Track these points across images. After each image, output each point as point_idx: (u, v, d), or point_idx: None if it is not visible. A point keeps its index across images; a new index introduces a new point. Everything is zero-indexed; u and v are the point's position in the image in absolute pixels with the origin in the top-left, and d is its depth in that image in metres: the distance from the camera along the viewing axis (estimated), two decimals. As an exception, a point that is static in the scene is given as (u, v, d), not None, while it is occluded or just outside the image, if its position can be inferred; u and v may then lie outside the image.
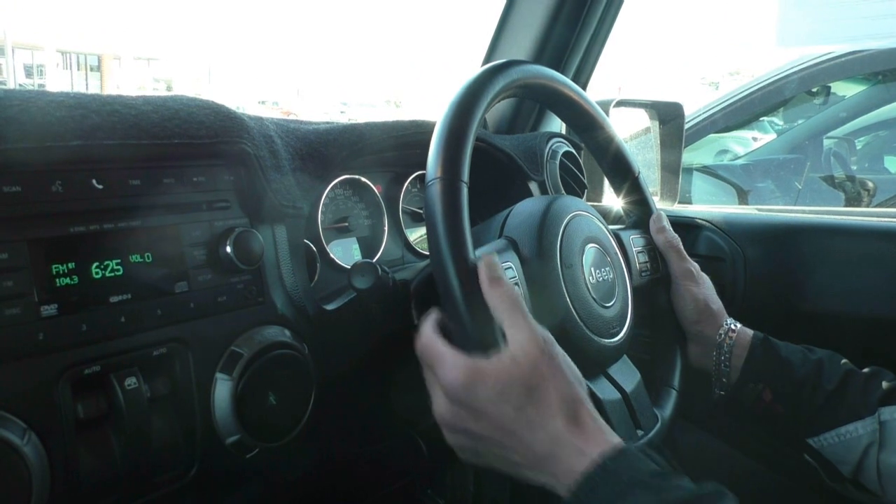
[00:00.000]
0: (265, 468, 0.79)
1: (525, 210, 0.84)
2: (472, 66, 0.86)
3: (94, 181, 0.64)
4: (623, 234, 0.94)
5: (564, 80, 0.87)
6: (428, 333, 0.66)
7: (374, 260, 0.99)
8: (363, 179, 1.01)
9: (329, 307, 0.85)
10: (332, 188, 0.96)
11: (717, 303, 0.93)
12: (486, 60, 1.38)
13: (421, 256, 1.09)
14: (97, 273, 0.63)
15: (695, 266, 0.94)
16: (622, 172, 0.96)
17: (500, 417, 0.60)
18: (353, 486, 1.05)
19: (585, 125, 0.92)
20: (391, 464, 1.12)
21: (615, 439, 0.61)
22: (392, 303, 0.83)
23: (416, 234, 1.11)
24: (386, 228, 1.05)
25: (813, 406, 0.83)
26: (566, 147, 1.24)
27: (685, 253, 0.95)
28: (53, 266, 0.61)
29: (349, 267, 0.90)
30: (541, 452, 0.60)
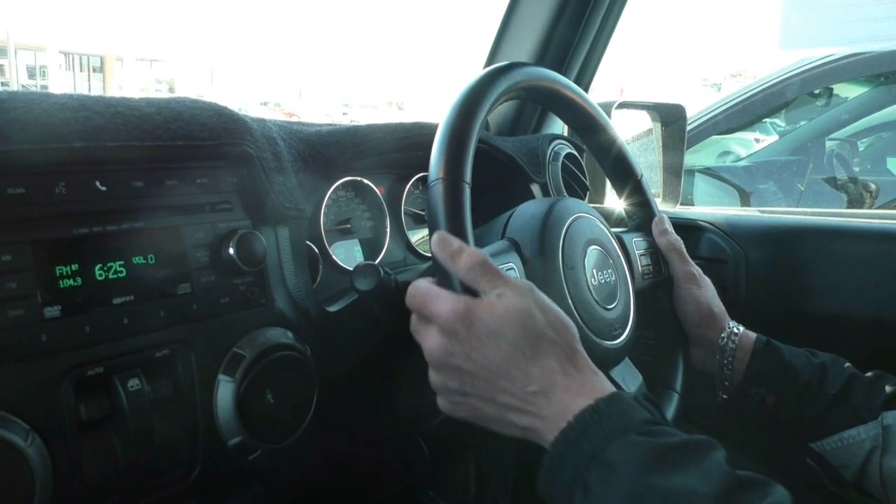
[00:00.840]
0: (267, 469, 0.79)
1: (527, 212, 0.84)
2: (475, 68, 0.86)
3: (97, 183, 0.64)
4: (625, 237, 0.94)
5: (566, 83, 0.87)
6: (422, 281, 0.66)
7: (377, 262, 0.99)
8: (365, 181, 1.01)
9: (331, 309, 0.85)
10: (334, 190, 0.96)
11: (719, 306, 0.93)
12: (489, 62, 1.38)
13: (423, 258, 1.09)
14: (100, 275, 0.63)
15: (697, 269, 0.94)
16: (624, 174, 0.96)
17: (494, 352, 0.60)
18: (355, 488, 1.05)
19: (587, 127, 0.92)
20: (393, 465, 1.12)
21: (608, 386, 0.61)
22: (394, 304, 0.83)
23: (419, 236, 1.11)
24: (388, 230, 1.05)
25: (816, 410, 0.83)
26: (568, 149, 1.24)
27: (687, 255, 0.95)
28: (57, 268, 0.61)
29: (351, 269, 0.90)
30: (532, 390, 0.59)
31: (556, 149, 1.22)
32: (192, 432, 0.69)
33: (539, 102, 1.22)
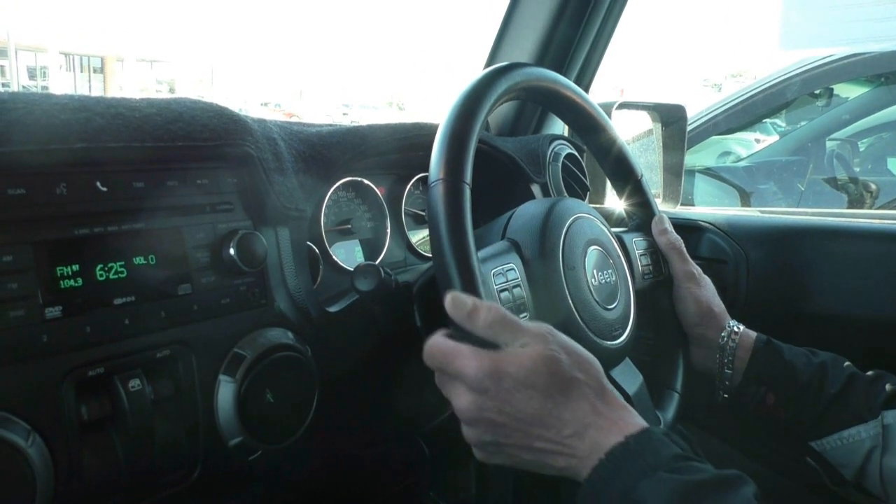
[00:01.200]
0: (268, 470, 0.79)
1: (527, 212, 0.84)
2: (475, 69, 0.86)
3: (98, 183, 0.64)
4: (625, 237, 0.94)
5: (567, 83, 0.87)
6: (439, 338, 0.66)
7: (377, 262, 0.99)
8: (366, 182, 1.01)
9: (332, 309, 0.85)
10: (334, 190, 0.96)
11: (719, 305, 0.93)
12: (489, 62, 1.39)
13: (423, 258, 1.09)
14: (101, 275, 0.63)
15: (697, 268, 0.94)
16: (624, 174, 0.96)
17: (526, 403, 0.60)
18: (356, 488, 1.05)
19: (588, 127, 0.92)
20: (393, 465, 1.12)
21: (639, 420, 0.61)
22: (395, 305, 0.83)
23: (419, 236, 1.11)
24: (388, 230, 1.05)
25: (816, 409, 0.83)
26: (568, 149, 1.24)
27: (687, 255, 0.95)
28: (58, 268, 0.61)
29: (352, 269, 0.90)
30: (567, 434, 0.60)
31: (556, 149, 1.22)
32: (192, 433, 0.69)
33: (539, 103, 1.22)
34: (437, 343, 0.65)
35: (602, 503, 0.56)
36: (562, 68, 1.34)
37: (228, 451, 0.71)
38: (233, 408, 0.69)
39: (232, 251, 0.71)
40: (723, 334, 0.90)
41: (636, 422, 0.61)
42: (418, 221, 1.12)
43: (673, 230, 0.96)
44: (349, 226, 1.01)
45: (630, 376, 0.84)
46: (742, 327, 0.91)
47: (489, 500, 1.18)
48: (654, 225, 0.96)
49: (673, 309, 0.94)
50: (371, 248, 1.04)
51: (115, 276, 0.64)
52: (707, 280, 0.95)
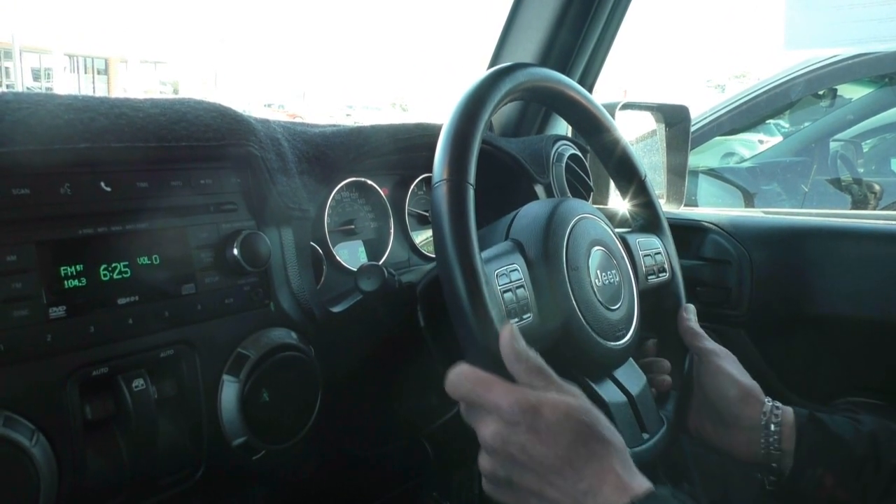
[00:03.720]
0: (271, 470, 0.79)
1: (531, 213, 0.84)
2: (479, 70, 0.86)
3: (102, 183, 0.65)
4: (629, 237, 0.94)
5: (570, 83, 0.87)
6: (467, 367, 0.65)
7: (381, 262, 0.99)
8: (369, 182, 1.01)
9: (335, 309, 0.85)
10: (338, 191, 0.96)
11: (750, 378, 0.86)
12: (493, 63, 1.38)
13: (427, 259, 1.09)
14: (105, 275, 0.64)
15: (719, 346, 0.89)
16: (628, 175, 0.95)
17: (553, 449, 0.60)
18: (359, 489, 1.05)
19: (591, 128, 0.92)
20: (397, 466, 1.12)
21: (647, 483, 0.61)
22: (398, 305, 0.83)
23: (422, 237, 1.11)
24: (392, 231, 1.05)
25: (879, 485, 0.76)
26: (572, 150, 1.24)
27: (705, 335, 0.90)
28: (61, 268, 0.61)
29: (355, 269, 0.90)
30: (581, 488, 0.59)
31: (559, 150, 1.22)
32: (196, 433, 0.69)
33: (543, 103, 1.22)
34: (465, 373, 0.64)
35: None
36: (565, 69, 1.34)
37: (232, 451, 0.71)
38: (236, 408, 0.70)
39: (235, 251, 0.71)
40: (764, 410, 0.82)
41: (644, 484, 0.60)
42: (422, 222, 1.12)
43: (696, 320, 0.92)
44: (352, 226, 1.01)
45: (634, 377, 0.84)
46: (780, 403, 0.83)
47: (492, 501, 1.18)
48: (681, 311, 0.92)
49: (703, 387, 0.86)
50: (374, 249, 1.04)
51: (119, 276, 0.64)
52: (727, 351, 0.89)
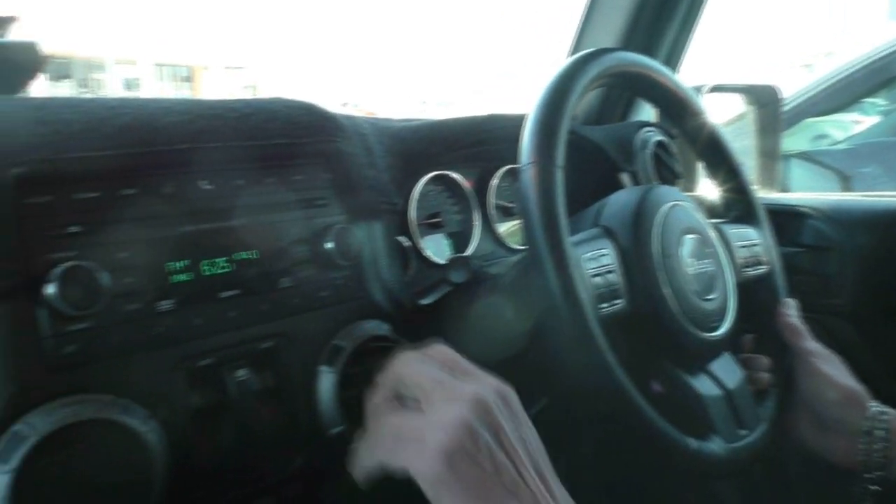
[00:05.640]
0: None
1: (620, 200, 0.83)
2: (556, 61, 0.85)
3: (201, 182, 0.67)
4: (724, 227, 0.90)
5: (658, 67, 0.84)
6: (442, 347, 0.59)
7: (466, 255, 1.00)
8: (454, 175, 1.02)
9: (424, 302, 0.86)
10: (423, 184, 0.97)
11: (857, 384, 0.80)
12: (573, 49, 1.36)
13: (512, 251, 1.09)
14: (207, 270, 0.66)
15: (821, 347, 0.84)
16: (719, 161, 0.92)
17: (535, 437, 0.54)
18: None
19: (679, 112, 0.89)
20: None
21: None
22: (486, 297, 0.84)
23: (507, 229, 1.11)
24: (477, 223, 1.05)
25: None
26: (658, 136, 1.21)
27: (807, 333, 0.85)
28: (168, 264, 0.64)
29: (441, 262, 0.91)
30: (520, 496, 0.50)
31: (645, 136, 1.19)
32: (294, 422, 0.71)
33: (629, 89, 1.19)
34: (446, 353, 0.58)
35: None
36: (649, 51, 1.30)
37: (329, 441, 0.73)
38: (333, 398, 0.71)
39: (329, 245, 0.73)
40: (868, 415, 0.77)
41: None
42: (506, 214, 1.11)
43: (797, 315, 0.87)
44: (438, 219, 1.02)
45: (730, 371, 0.81)
46: (887, 407, 0.78)
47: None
48: (780, 306, 0.89)
49: (802, 390, 0.82)
50: (459, 242, 1.05)
51: (221, 271, 0.67)
52: (835, 356, 0.84)
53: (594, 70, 0.75)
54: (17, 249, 0.54)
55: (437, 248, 1.02)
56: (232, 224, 0.69)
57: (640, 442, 0.71)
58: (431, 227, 1.01)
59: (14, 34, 0.71)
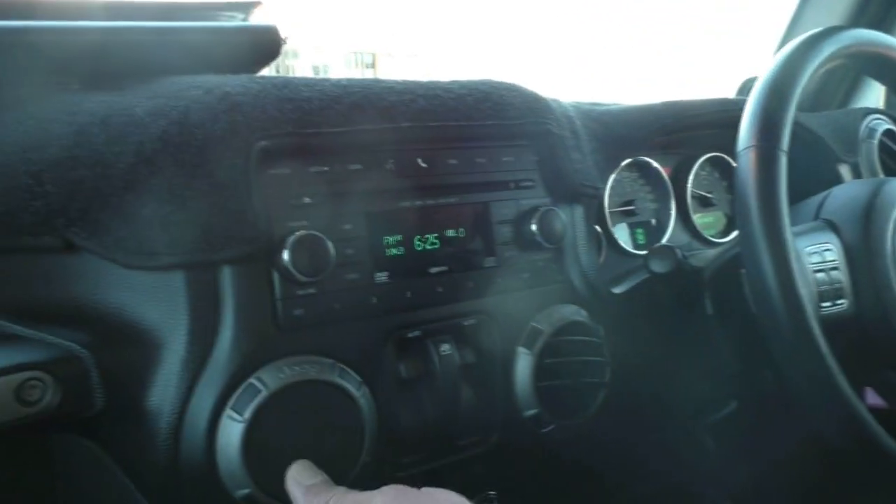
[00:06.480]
0: (558, 445, 0.80)
1: (848, 193, 0.76)
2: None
3: (419, 160, 0.70)
4: None
5: None
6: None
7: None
8: (652, 162, 0.98)
9: (617, 290, 0.84)
10: (619, 170, 0.95)
11: None
12: (791, 28, 1.26)
13: (709, 244, 1.04)
14: (419, 245, 0.69)
15: None
16: None
17: None
18: (633, 474, 1.03)
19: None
20: (668, 457, 1.08)
21: None
22: (685, 289, 0.80)
23: (705, 220, 1.05)
24: (672, 213, 1.01)
25: None
26: (887, 124, 1.09)
27: None
28: (384, 237, 0.67)
29: (632, 250, 0.88)
30: None
31: (871, 124, 1.08)
32: (491, 400, 0.72)
33: (864, 71, 1.09)
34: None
35: None
36: (882, 28, 1.17)
37: (523, 422, 0.73)
38: (530, 380, 0.72)
39: (534, 227, 0.73)
40: None
41: None
42: (704, 204, 1.06)
43: None
44: (632, 207, 0.99)
45: None
46: None
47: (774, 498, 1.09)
48: None
49: None
50: (652, 231, 1.01)
51: (431, 247, 0.69)
52: None
53: (828, 50, 0.69)
54: (260, 217, 0.59)
55: (629, 236, 0.99)
56: (443, 202, 0.71)
57: (873, 473, 0.65)
58: (624, 215, 0.99)
59: (256, 18, 0.77)
